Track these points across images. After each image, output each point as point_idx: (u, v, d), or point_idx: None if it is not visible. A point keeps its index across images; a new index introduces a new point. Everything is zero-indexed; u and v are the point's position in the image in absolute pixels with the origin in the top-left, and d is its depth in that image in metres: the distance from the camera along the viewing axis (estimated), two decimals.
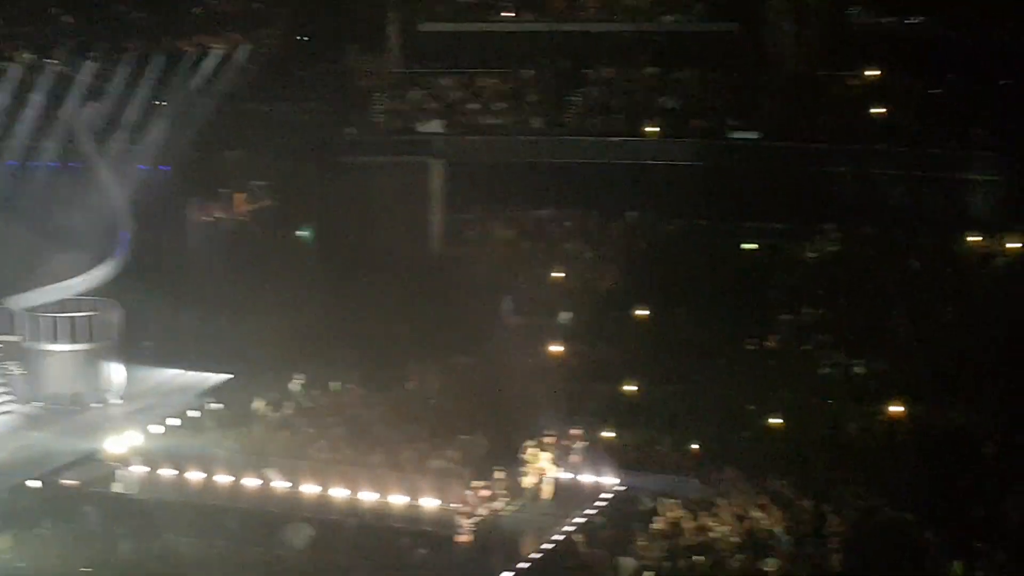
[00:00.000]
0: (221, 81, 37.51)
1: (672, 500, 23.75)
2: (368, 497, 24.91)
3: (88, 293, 31.56)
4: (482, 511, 23.01)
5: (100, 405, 30.83)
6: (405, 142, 38.56)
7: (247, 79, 38.03)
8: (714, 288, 34.39)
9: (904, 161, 35.04)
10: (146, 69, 36.61)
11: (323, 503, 24.99)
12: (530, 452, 24.97)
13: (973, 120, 35.08)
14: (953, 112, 35.50)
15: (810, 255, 35.63)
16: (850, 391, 28.57)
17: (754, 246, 36.40)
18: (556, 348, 31.90)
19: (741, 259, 36.27)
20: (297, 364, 30.70)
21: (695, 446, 25.93)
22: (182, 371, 32.77)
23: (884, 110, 36.03)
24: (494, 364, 31.16)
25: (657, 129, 37.22)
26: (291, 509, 24.47)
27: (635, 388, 29.24)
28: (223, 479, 26.04)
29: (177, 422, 28.70)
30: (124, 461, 26.54)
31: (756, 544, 21.48)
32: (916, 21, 37.33)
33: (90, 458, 27.16)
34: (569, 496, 24.75)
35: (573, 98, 39.02)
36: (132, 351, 31.87)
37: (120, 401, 31.01)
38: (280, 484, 25.78)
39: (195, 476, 26.10)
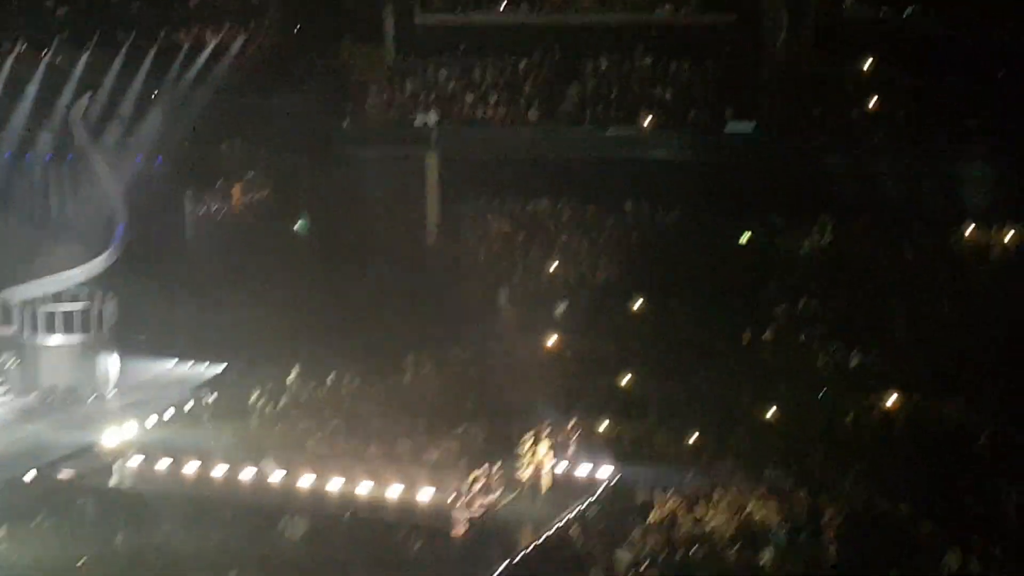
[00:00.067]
0: (216, 73, 37.45)
1: (668, 492, 23.76)
2: (364, 489, 24.92)
3: (84, 285, 31.53)
4: (479, 503, 23.01)
5: (96, 397, 30.82)
6: (401, 134, 38.51)
7: (242, 71, 37.97)
8: (711, 281, 34.39)
9: (900, 154, 35.04)
10: (141, 61, 36.54)
11: (319, 495, 25.00)
12: (527, 444, 24.97)
13: (969, 113, 35.08)
14: (949, 105, 35.49)
15: (806, 248, 35.64)
16: (847, 384, 28.60)
17: (750, 239, 36.41)
18: (552, 340, 31.92)
19: (737, 252, 36.28)
20: (293, 356, 30.69)
21: (692, 438, 25.94)
22: (178, 363, 32.77)
23: (880, 103, 36.03)
24: (490, 356, 31.19)
25: (654, 121, 37.19)
26: (287, 501, 24.47)
27: (631, 380, 29.26)
28: (219, 471, 26.05)
29: (173, 414, 28.69)
30: (120, 453, 26.54)
31: (752, 536, 21.50)
32: (912, 14, 37.31)
33: (86, 451, 27.16)
34: (566, 488, 24.77)
35: (569, 90, 38.98)
36: (128, 343, 31.86)
37: (116, 393, 30.99)
38: (276, 476, 25.79)
39: (191, 468, 26.11)
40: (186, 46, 37.47)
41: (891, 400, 26.72)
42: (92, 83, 36.17)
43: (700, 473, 24.62)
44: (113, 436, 26.95)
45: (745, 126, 36.55)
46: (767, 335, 32.01)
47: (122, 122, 36.01)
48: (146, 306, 32.22)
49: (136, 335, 32.33)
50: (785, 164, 35.80)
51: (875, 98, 36.16)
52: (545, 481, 24.85)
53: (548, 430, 25.57)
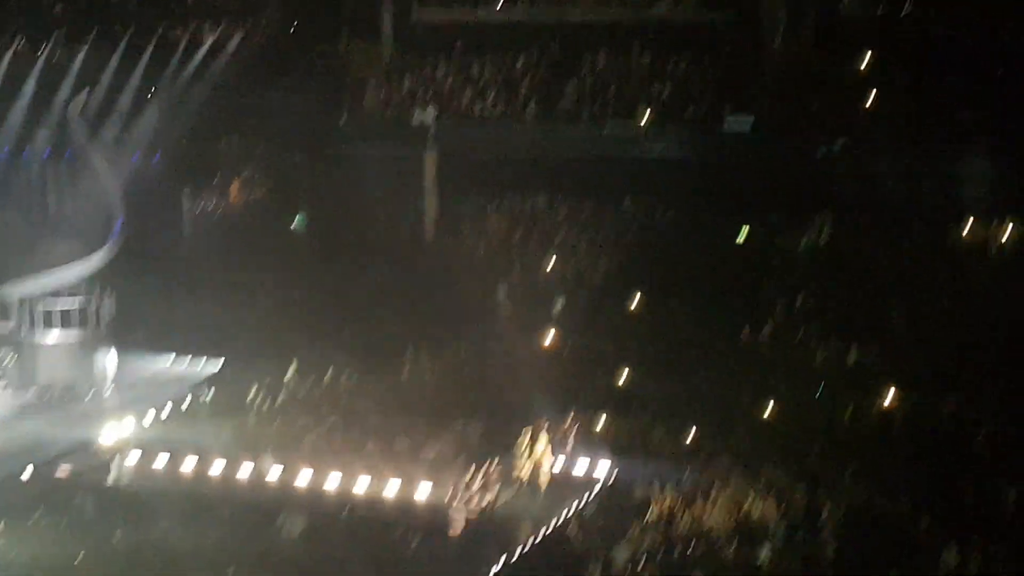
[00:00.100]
0: (214, 70, 37.41)
1: (666, 489, 23.76)
2: (362, 486, 24.91)
3: (81, 282, 31.49)
4: (477, 500, 22.99)
5: (93, 394, 30.79)
6: (398, 131, 38.49)
7: (240, 68, 37.93)
8: (709, 278, 34.39)
9: (898, 152, 35.03)
10: (139, 58, 36.51)
11: (317, 493, 24.98)
12: (525, 442, 24.96)
13: (967, 111, 35.08)
14: (947, 102, 35.49)
15: (804, 246, 35.64)
16: (845, 381, 28.62)
17: (749, 236, 36.40)
18: (550, 337, 31.91)
19: (735, 249, 36.28)
20: (291, 353, 30.68)
21: (690, 436, 25.95)
22: (175, 360, 32.75)
23: (878, 101, 36.02)
24: (488, 354, 31.19)
25: (652, 119, 37.17)
26: (285, 499, 24.45)
27: (629, 378, 29.26)
28: (217, 468, 26.03)
29: (170, 411, 28.67)
30: (117, 450, 26.52)
31: (750, 533, 21.50)
32: (910, 11, 37.30)
33: (83, 447, 27.14)
34: (564, 485, 24.76)
35: (567, 87, 38.96)
36: (126, 340, 31.82)
37: (113, 390, 30.97)
38: (274, 473, 25.77)
39: (188, 465, 26.09)
40: (184, 43, 37.42)
41: (889, 398, 26.73)
42: (90, 80, 36.14)
43: (698, 470, 24.62)
44: (111, 433, 26.93)
45: (743, 123, 36.55)
46: (765, 333, 32.03)
47: (120, 119, 35.98)
48: (144, 303, 32.20)
49: (134, 332, 32.30)
50: (783, 162, 35.82)
51: (873, 96, 36.15)
52: (543, 478, 24.84)
53: (546, 427, 25.56)
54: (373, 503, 24.38)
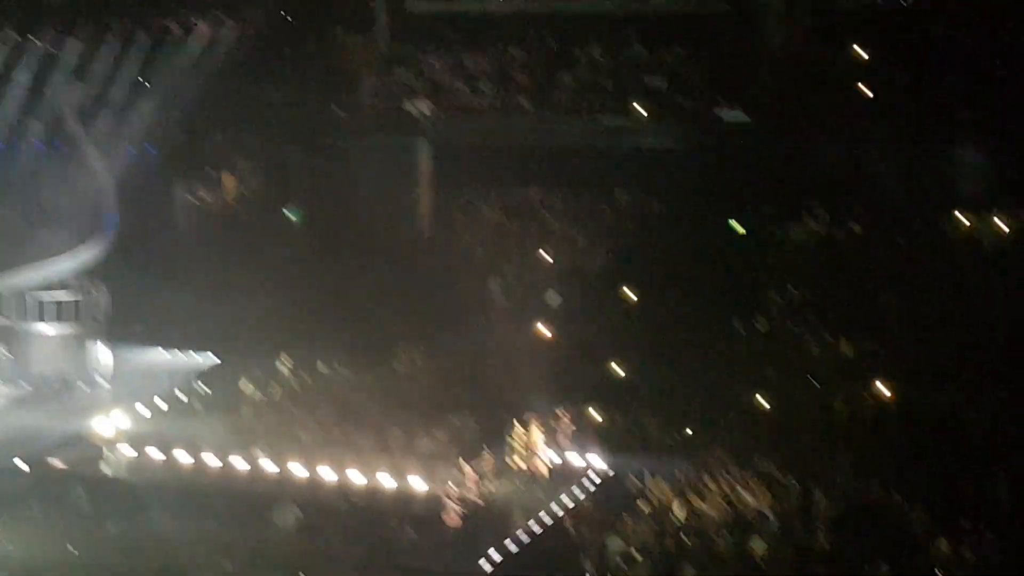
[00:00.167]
0: (207, 61, 37.29)
1: (660, 480, 23.80)
2: (356, 478, 24.93)
3: (75, 274, 31.44)
4: (470, 492, 23.02)
5: (87, 387, 30.76)
6: (392, 122, 38.43)
7: (234, 60, 37.82)
8: (703, 269, 34.41)
9: (893, 143, 35.05)
10: (132, 49, 36.38)
11: (311, 485, 25.00)
12: (519, 433, 24.98)
13: (963, 103, 35.10)
14: (943, 94, 35.50)
15: (798, 236, 35.66)
16: (838, 372, 28.67)
17: (742, 227, 36.42)
18: (544, 329, 31.92)
19: (730, 240, 36.29)
20: (285, 346, 30.66)
21: (684, 427, 25.98)
22: (169, 353, 32.71)
23: (873, 91, 36.02)
24: (482, 345, 31.19)
25: (646, 110, 37.17)
26: (279, 491, 24.46)
27: (624, 369, 29.28)
28: (211, 461, 26.03)
29: (164, 404, 28.66)
30: (111, 443, 26.51)
31: (744, 524, 21.54)
32: (905, 2, 37.29)
33: (77, 440, 27.12)
34: (558, 477, 24.79)
35: (562, 79, 38.93)
36: (119, 332, 31.78)
37: (107, 383, 30.94)
38: (268, 466, 25.78)
39: (182, 458, 26.09)
40: (178, 35, 37.29)
41: (883, 389, 26.77)
42: (83, 72, 36.01)
43: (691, 461, 24.65)
44: (105, 425, 26.91)
45: (738, 115, 36.56)
46: (759, 324, 32.06)
47: (113, 111, 35.86)
48: (137, 295, 32.14)
49: (128, 324, 32.25)
50: (778, 153, 35.82)
51: (868, 87, 36.15)
52: (537, 470, 24.85)
53: (540, 419, 25.57)
54: (368, 495, 24.39)
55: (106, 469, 26.01)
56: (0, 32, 36.82)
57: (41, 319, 30.91)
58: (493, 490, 23.58)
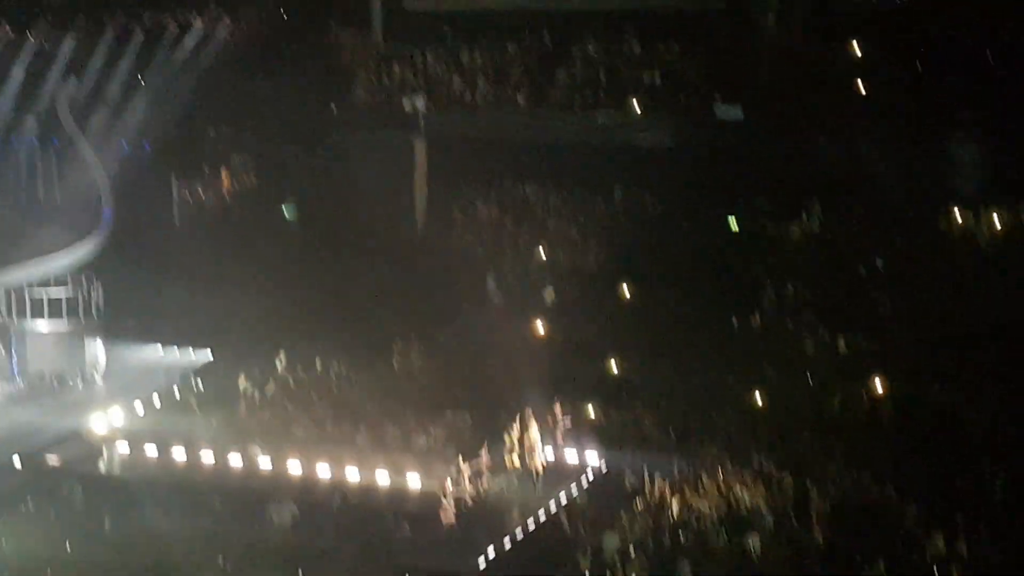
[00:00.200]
0: (204, 58, 37.25)
1: (656, 477, 23.78)
2: (352, 475, 24.91)
3: (70, 270, 31.38)
4: (467, 489, 23.00)
5: (83, 383, 30.71)
6: (388, 119, 38.39)
7: (230, 56, 37.78)
8: (699, 266, 34.40)
9: (887, 136, 35.06)
10: (128, 46, 36.32)
11: (307, 482, 24.97)
12: (515, 430, 24.96)
13: (959, 99, 35.10)
14: (939, 90, 35.50)
15: (796, 234, 35.65)
16: (834, 370, 28.67)
17: (740, 224, 36.40)
18: (541, 326, 31.89)
19: (726, 237, 36.28)
20: (281, 342, 30.63)
21: (680, 424, 25.96)
22: (165, 349, 32.67)
23: (869, 87, 36.02)
24: (479, 342, 31.16)
25: (642, 107, 37.14)
26: (275, 488, 24.43)
27: (620, 366, 29.25)
28: (206, 458, 26.00)
29: (160, 400, 28.62)
30: (107, 439, 26.46)
31: (739, 521, 21.53)
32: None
33: (73, 436, 27.08)
34: (555, 474, 24.77)
35: (558, 76, 38.89)
36: (114, 329, 31.73)
37: (103, 379, 30.89)
38: (264, 462, 25.76)
39: (178, 454, 26.05)
40: (174, 31, 37.25)
41: (879, 386, 26.78)
42: (79, 67, 35.96)
43: (688, 458, 24.64)
44: (100, 422, 26.87)
45: (734, 112, 36.54)
46: (756, 321, 32.06)
47: (109, 107, 35.80)
48: (133, 292, 32.09)
49: (123, 321, 32.20)
50: (774, 150, 35.81)
51: (864, 83, 36.15)
52: (534, 467, 24.84)
53: (536, 416, 25.55)
54: (364, 492, 24.37)
55: (101, 466, 25.97)
56: None
57: (37, 316, 30.83)
58: (489, 488, 23.55)
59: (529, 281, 35.42)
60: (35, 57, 35.81)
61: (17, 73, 35.46)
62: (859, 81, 36.22)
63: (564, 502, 23.90)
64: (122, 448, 26.35)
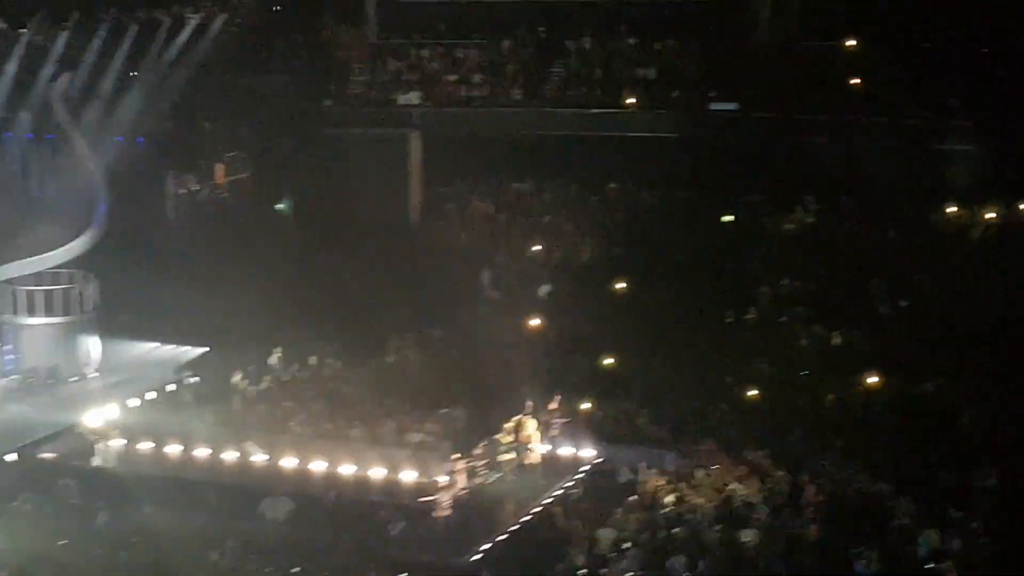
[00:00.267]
0: (198, 52, 37.13)
1: (651, 472, 23.80)
2: (347, 471, 24.92)
3: (65, 265, 31.34)
4: (462, 484, 23.02)
5: (77, 379, 30.67)
6: (383, 114, 38.36)
7: (224, 50, 37.67)
8: (693, 260, 34.41)
9: (883, 132, 35.08)
10: (122, 39, 36.21)
11: (302, 477, 24.97)
12: (509, 425, 24.97)
13: (952, 90, 35.13)
14: (932, 82, 35.52)
15: (789, 227, 35.67)
16: (829, 364, 28.70)
17: (733, 218, 36.41)
18: (535, 321, 31.89)
19: (720, 231, 36.29)
20: (275, 337, 30.61)
21: (674, 418, 25.98)
22: (159, 344, 32.64)
23: (863, 81, 36.02)
24: (473, 337, 31.15)
25: (637, 100, 37.11)
26: (270, 483, 24.42)
27: (615, 361, 29.26)
28: (201, 453, 26.00)
29: (155, 396, 28.60)
30: (102, 435, 26.44)
31: (734, 515, 21.56)
32: None
33: (68, 432, 27.06)
34: (549, 468, 24.78)
35: (552, 69, 38.86)
36: (109, 324, 31.69)
37: (97, 375, 30.86)
38: (259, 458, 25.76)
39: (173, 450, 26.05)
40: (168, 24, 37.12)
41: (873, 379, 26.83)
42: (72, 61, 35.82)
43: (682, 453, 24.66)
44: (95, 417, 26.85)
45: (729, 105, 36.54)
46: (750, 314, 32.08)
47: (103, 102, 35.68)
48: (128, 287, 32.04)
49: (118, 316, 32.15)
50: (770, 143, 35.82)
51: (858, 76, 36.15)
52: (528, 461, 24.85)
53: (531, 411, 25.56)
54: (359, 487, 24.37)
55: (96, 461, 25.95)
56: None
57: (31, 311, 30.79)
58: (484, 482, 23.56)
59: (524, 275, 35.43)
60: (28, 52, 35.68)
61: (11, 67, 35.31)
62: (852, 73, 36.25)
63: (559, 497, 23.91)
64: (117, 444, 26.32)
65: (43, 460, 25.97)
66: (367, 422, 26.45)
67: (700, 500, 22.29)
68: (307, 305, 32.37)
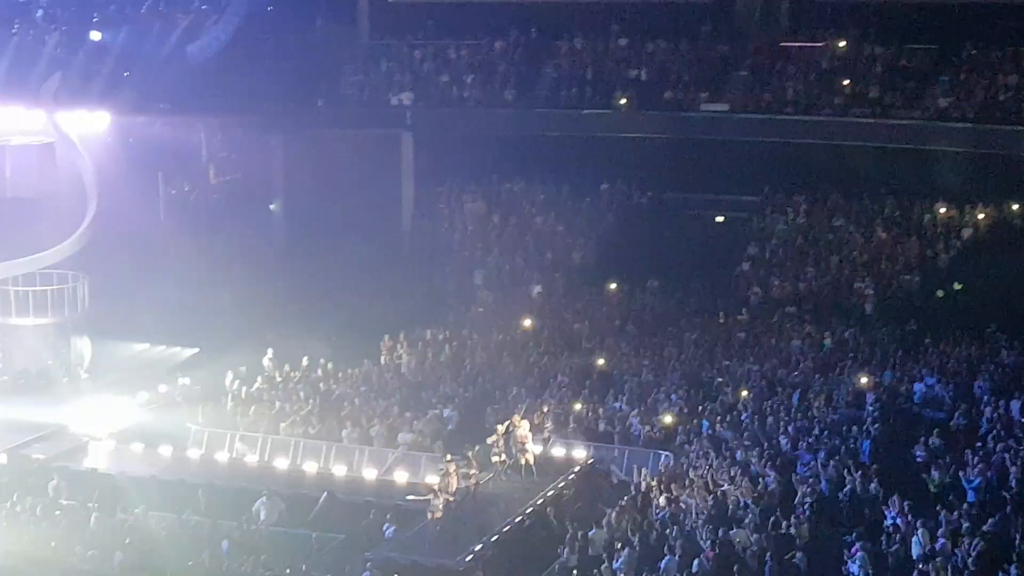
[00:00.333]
0: (190, 52, 37.08)
1: (643, 472, 23.82)
2: (339, 471, 24.92)
3: (57, 266, 31.26)
4: (454, 484, 23.01)
5: (69, 379, 30.59)
6: (375, 114, 38.35)
7: (216, 50, 37.63)
8: (684, 260, 34.51)
9: (872, 132, 35.23)
10: (114, 39, 36.14)
11: (294, 477, 24.96)
12: (502, 425, 24.97)
13: (940, 90, 35.29)
14: (920, 82, 35.68)
15: (780, 226, 35.79)
16: (819, 361, 28.79)
17: (724, 218, 36.54)
18: (528, 321, 31.92)
19: (711, 231, 36.40)
20: (267, 338, 30.59)
21: (667, 418, 26.02)
22: (151, 345, 32.59)
23: (852, 81, 36.16)
24: (465, 337, 31.17)
25: (628, 101, 37.17)
26: (261, 483, 24.39)
27: (607, 360, 29.31)
28: (193, 453, 25.98)
29: (146, 396, 28.55)
30: (92, 435, 26.40)
31: (726, 515, 21.58)
32: None
33: (58, 432, 27.01)
34: (542, 468, 24.78)
35: (544, 70, 38.90)
36: (101, 325, 31.62)
37: (89, 375, 30.79)
38: (250, 458, 25.75)
39: (164, 450, 26.02)
40: (159, 24, 37.06)
41: (862, 378, 26.95)
42: (64, 61, 35.74)
43: (675, 453, 24.68)
44: (86, 417, 26.80)
45: (720, 105, 36.65)
46: (741, 314, 32.17)
47: (94, 101, 35.56)
48: (119, 287, 31.99)
49: (110, 316, 32.08)
50: (759, 143, 35.94)
51: (847, 76, 36.33)
52: (521, 461, 24.84)
53: (523, 411, 25.56)
54: (351, 488, 24.37)
55: (87, 461, 25.91)
56: None
57: (23, 311, 30.70)
58: (477, 482, 23.54)
59: (516, 275, 35.49)
60: (19, 51, 35.59)
61: (2, 65, 35.20)
62: (842, 73, 36.42)
63: (551, 497, 23.91)
64: (108, 444, 26.28)
65: (33, 461, 25.90)
66: (359, 423, 26.45)
67: (692, 500, 22.29)
68: (299, 304, 32.39)
